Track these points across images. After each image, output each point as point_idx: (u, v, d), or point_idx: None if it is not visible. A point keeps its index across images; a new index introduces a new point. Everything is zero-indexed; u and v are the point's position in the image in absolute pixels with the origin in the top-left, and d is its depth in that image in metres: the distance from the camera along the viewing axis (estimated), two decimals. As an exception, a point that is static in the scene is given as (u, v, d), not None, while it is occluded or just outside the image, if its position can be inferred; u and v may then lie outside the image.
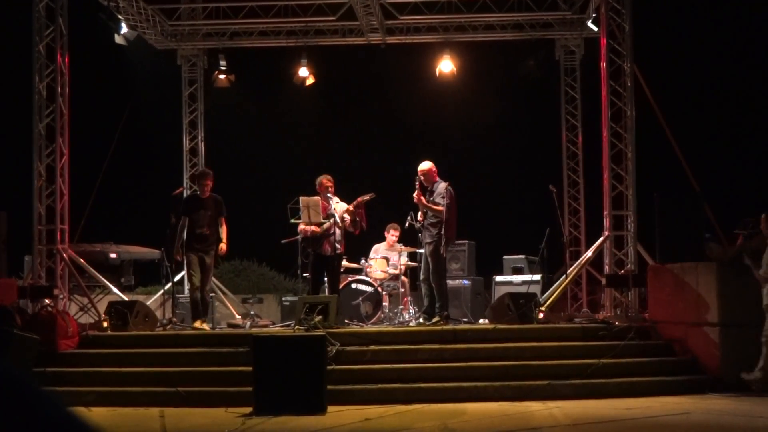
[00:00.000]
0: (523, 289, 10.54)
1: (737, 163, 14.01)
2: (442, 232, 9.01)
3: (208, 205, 9.59)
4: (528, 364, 7.96)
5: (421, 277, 9.45)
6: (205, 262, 9.49)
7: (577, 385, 7.71)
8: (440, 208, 9.04)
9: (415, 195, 9.14)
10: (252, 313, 10.71)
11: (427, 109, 14.65)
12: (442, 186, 9.17)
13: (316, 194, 9.70)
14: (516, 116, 14.49)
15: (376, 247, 11.49)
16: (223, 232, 9.64)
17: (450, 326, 8.92)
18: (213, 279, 13.28)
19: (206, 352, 8.30)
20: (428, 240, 9.24)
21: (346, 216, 9.57)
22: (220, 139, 14.38)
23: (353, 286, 10.49)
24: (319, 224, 9.59)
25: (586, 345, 8.36)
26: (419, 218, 9.38)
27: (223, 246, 9.59)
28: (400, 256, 10.70)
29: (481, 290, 11.42)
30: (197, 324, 9.35)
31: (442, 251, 9.05)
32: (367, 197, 9.46)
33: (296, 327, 8.44)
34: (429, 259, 9.25)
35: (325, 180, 9.76)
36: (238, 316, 11.23)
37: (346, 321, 9.50)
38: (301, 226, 9.71)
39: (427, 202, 9.18)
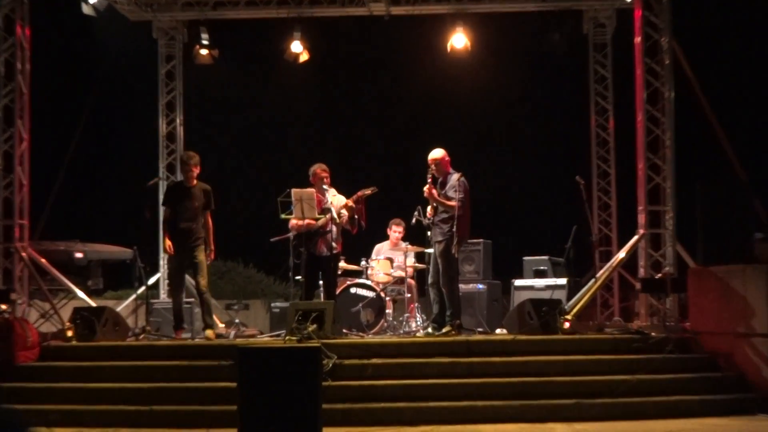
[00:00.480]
0: (546, 294, 10.51)
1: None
2: (454, 229, 8.97)
3: (195, 195, 9.47)
4: (552, 380, 7.91)
5: (430, 280, 9.41)
6: (193, 258, 9.36)
7: (607, 405, 7.67)
8: (453, 203, 9.02)
9: (426, 188, 9.10)
10: (237, 321, 10.68)
11: (437, 91, 14.59)
12: (454, 177, 9.15)
13: (309, 186, 9.66)
14: (538, 98, 14.44)
15: (378, 246, 11.45)
16: (209, 230, 9.51)
17: (463, 337, 8.87)
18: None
19: (184, 366, 8.26)
20: (438, 238, 9.19)
21: (344, 212, 9.52)
22: (202, 123, 14.33)
23: (352, 290, 10.45)
24: (314, 220, 9.53)
25: (618, 359, 8.31)
26: (428, 213, 9.33)
27: (211, 254, 9.52)
28: (405, 256, 10.66)
29: (499, 296, 11.39)
30: (209, 333, 9.31)
31: (453, 251, 9.01)
32: (368, 191, 9.43)
33: (287, 337, 8.40)
34: (439, 260, 9.22)
35: (320, 170, 9.71)
36: (221, 325, 11.22)
37: (344, 330, 9.48)
38: (293, 222, 9.66)
39: (439, 195, 9.12)
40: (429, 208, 9.34)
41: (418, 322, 10.39)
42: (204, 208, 9.49)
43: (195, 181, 9.54)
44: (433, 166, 9.21)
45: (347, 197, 9.60)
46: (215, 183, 10.02)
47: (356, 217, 9.49)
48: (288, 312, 8.89)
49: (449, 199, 9.09)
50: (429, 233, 9.42)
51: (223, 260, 15.41)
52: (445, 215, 9.16)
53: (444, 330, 9.14)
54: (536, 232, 13.50)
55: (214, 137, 15.05)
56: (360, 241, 10.83)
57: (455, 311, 9.18)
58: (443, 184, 9.25)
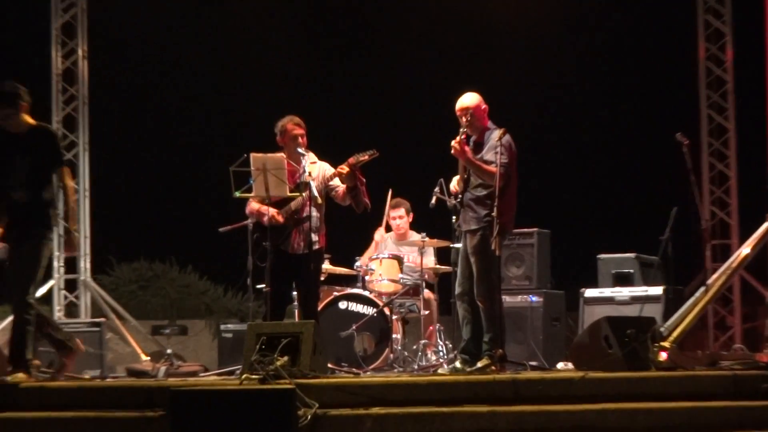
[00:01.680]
0: (632, 311, 10.49)
1: None
2: (495, 213, 8.90)
3: (24, 147, 8.88)
4: (641, 438, 7.86)
5: (458, 290, 9.38)
6: (23, 249, 8.75)
7: (725, 475, 7.63)
8: (494, 168, 8.96)
9: (455, 142, 9.06)
10: (169, 352, 10.65)
11: (466, 12, 14.51)
12: (495, 135, 9.13)
13: (277, 150, 9.61)
14: (619, 19, 14.37)
15: (380, 238, 11.37)
16: (68, 196, 8.93)
17: (508, 375, 8.84)
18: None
19: (92, 419, 8.20)
20: (471, 226, 9.16)
21: (337, 184, 9.45)
22: (115, 56, 14.24)
23: (342, 305, 10.48)
24: (284, 200, 9.47)
25: (739, 406, 8.25)
26: (454, 188, 9.30)
27: (72, 241, 9.05)
28: (422, 254, 10.62)
29: (561, 313, 11.42)
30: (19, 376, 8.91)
31: (494, 246, 8.94)
32: (365, 156, 9.37)
33: (244, 376, 8.35)
34: (472, 260, 9.20)
35: (292, 125, 9.65)
36: (145, 358, 11.19)
37: (330, 366, 9.46)
38: (253, 206, 9.59)
39: (474, 157, 9.10)
40: (455, 181, 9.31)
41: (441, 353, 10.37)
42: (49, 165, 8.89)
43: (25, 123, 9.10)
44: (463, 119, 9.17)
45: (334, 167, 9.53)
46: (136, 144, 9.93)
47: (361, 186, 9.39)
48: (246, 338, 8.83)
49: (488, 164, 9.05)
50: (454, 220, 9.39)
51: (147, 261, 15.33)
52: (480, 192, 9.12)
53: (480, 364, 9.11)
54: (617, 218, 13.46)
55: (134, 78, 14.98)
56: (353, 231, 10.77)
57: (496, 336, 9.13)
58: (479, 146, 9.23)
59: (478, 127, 9.23)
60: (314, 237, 9.48)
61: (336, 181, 9.51)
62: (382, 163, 9.50)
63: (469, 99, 9.24)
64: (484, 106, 9.27)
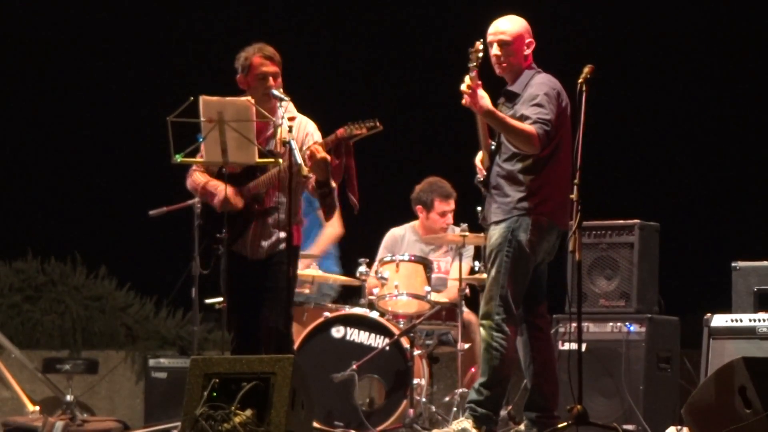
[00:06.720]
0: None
1: None
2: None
3: None
4: None
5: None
6: None
7: None
8: (529, 129, 9.11)
9: (465, 86, 9.22)
10: (69, 398, 10.64)
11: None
12: (538, 80, 9.39)
13: (239, 94, 9.67)
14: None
15: (394, 235, 11.63)
16: None
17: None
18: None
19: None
20: (497, 216, 9.37)
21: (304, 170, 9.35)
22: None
23: (336, 333, 10.60)
24: (247, 172, 9.53)
25: None
26: (479, 168, 9.51)
27: None
28: (459, 257, 10.74)
29: (674, 350, 11.45)
30: None
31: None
32: (362, 129, 9.45)
33: (186, 437, 8.39)
34: (489, 266, 9.38)
35: (260, 58, 9.68)
36: (32, 408, 11.20)
37: (317, 426, 9.60)
38: (197, 177, 9.63)
39: (496, 109, 9.29)
40: (480, 156, 9.57)
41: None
42: None
43: None
44: (495, 49, 9.36)
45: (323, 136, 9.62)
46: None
47: (331, 182, 9.40)
48: (188, 380, 8.85)
49: (523, 120, 9.21)
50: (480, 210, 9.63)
51: (38, 260, 15.33)
52: (515, 164, 9.33)
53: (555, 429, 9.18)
54: (761, 210, 13.48)
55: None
56: (357, 221, 10.80)
57: (494, 393, 9.26)
58: (511, 96, 9.44)
59: (514, 67, 9.42)
60: (281, 235, 9.48)
61: (310, 152, 9.38)
62: (392, 144, 9.56)
63: (509, 24, 9.40)
64: (528, 39, 9.44)
